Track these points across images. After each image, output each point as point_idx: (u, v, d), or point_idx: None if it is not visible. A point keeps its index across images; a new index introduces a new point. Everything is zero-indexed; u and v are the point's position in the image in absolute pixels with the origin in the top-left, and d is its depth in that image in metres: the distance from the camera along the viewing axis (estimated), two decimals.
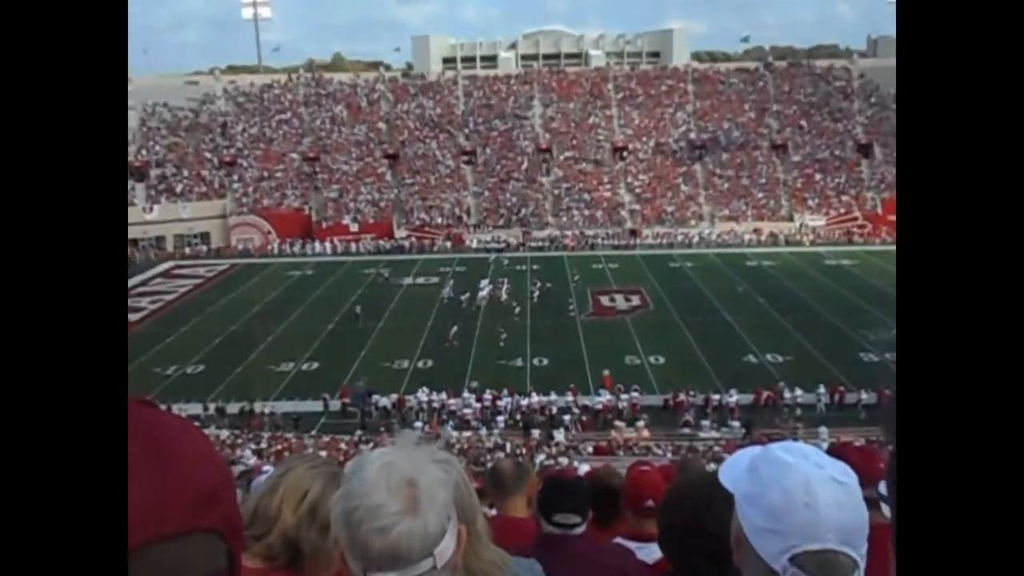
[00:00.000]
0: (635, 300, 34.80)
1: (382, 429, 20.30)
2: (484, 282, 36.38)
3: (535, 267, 43.82)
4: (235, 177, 52.66)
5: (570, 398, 21.94)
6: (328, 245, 48.23)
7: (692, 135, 58.57)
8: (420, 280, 41.00)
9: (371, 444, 17.61)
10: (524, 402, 21.76)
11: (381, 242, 49.25)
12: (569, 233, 50.29)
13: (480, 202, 55.98)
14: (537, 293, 34.94)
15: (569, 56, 75.87)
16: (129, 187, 46.11)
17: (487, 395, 22.20)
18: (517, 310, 31.61)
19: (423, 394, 22.28)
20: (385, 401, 22.21)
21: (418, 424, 20.79)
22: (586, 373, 24.71)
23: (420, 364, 26.20)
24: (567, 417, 21.21)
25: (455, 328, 28.86)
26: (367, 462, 0.87)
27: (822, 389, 19.26)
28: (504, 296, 34.45)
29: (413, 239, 49.47)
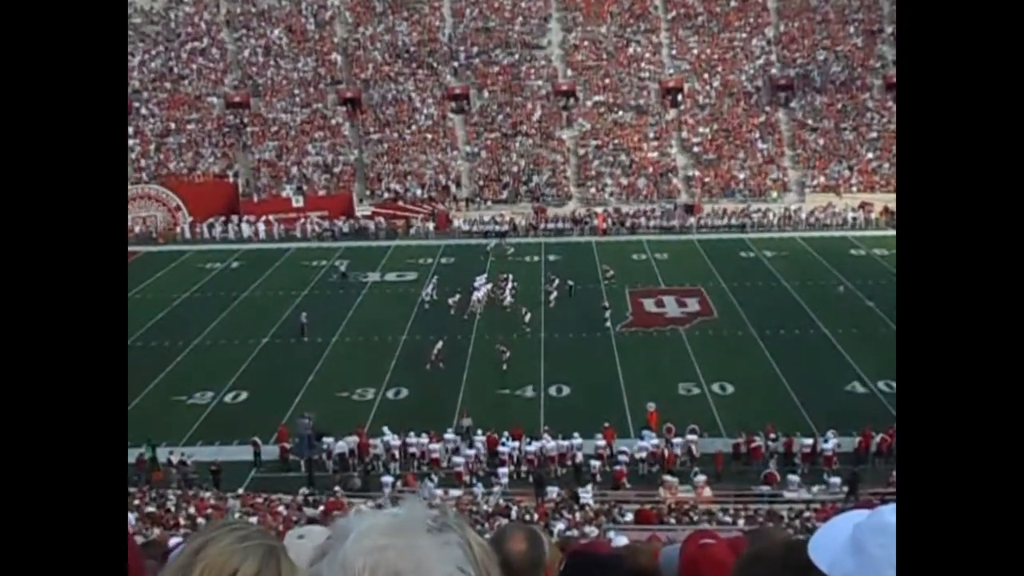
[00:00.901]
0: (692, 305, 34.95)
1: (337, 487, 20.36)
2: (480, 279, 36.63)
3: (552, 258, 44.19)
4: (130, 131, 52.61)
5: (601, 443, 21.91)
6: (261, 226, 48.16)
7: (774, 71, 58.19)
8: (391, 276, 41.40)
9: (321, 508, 17.76)
10: (536, 447, 21.82)
11: (336, 223, 49.45)
12: (599, 210, 50.28)
13: (475, 167, 56.12)
14: (555, 295, 35.24)
15: None
16: None
17: (484, 438, 22.31)
18: (527, 318, 31.91)
19: (394, 436, 22.41)
20: (341, 446, 22.20)
21: (387, 479, 21.05)
22: (623, 407, 24.99)
23: (391, 394, 26.54)
24: (596, 465, 21.22)
25: (440, 344, 29.14)
26: (350, 542, 0.86)
27: None
28: (508, 299, 34.93)
29: (381, 220, 49.72)
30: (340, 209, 49.97)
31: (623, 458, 21.27)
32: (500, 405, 25.28)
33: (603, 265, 39.05)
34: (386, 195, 51.32)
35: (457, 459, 21.64)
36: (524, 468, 21.80)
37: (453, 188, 52.21)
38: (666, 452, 21.87)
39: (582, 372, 27.51)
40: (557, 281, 35.95)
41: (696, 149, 54.03)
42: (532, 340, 30.46)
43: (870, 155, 53.24)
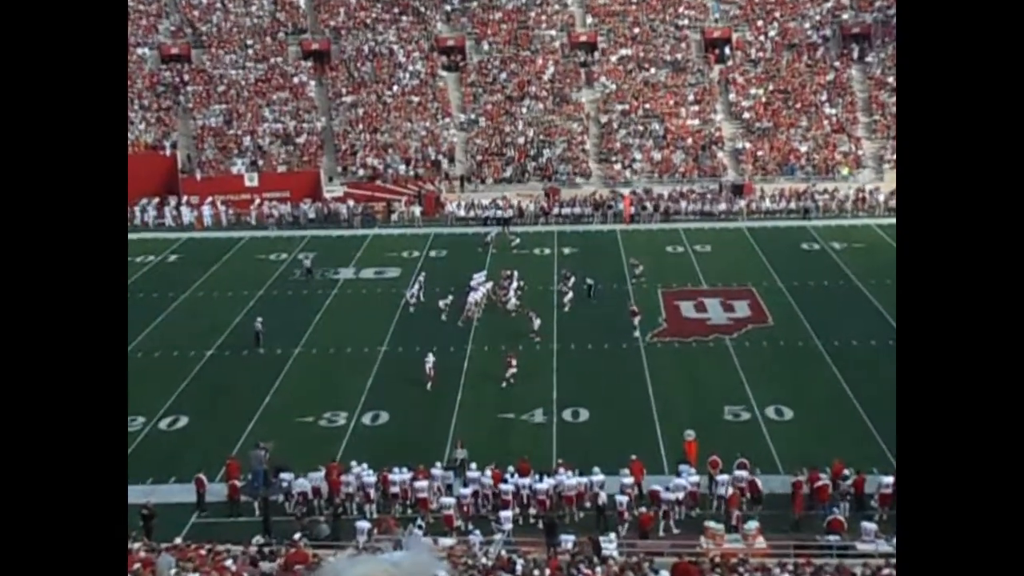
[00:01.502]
0: (741, 309, 35.14)
1: (299, 535, 20.22)
2: (478, 277, 36.98)
3: (567, 251, 44.48)
4: None
5: (628, 480, 22.01)
6: (206, 211, 48.57)
7: (845, 16, 58.36)
8: (367, 273, 41.69)
9: (279, 561, 18.07)
10: (547, 485, 21.93)
11: (299, 207, 49.47)
12: (626, 192, 50.65)
13: (471, 137, 56.97)
14: (570, 296, 35.53)
15: None
16: None
17: (483, 474, 22.47)
18: (536, 325, 32.11)
19: (369, 472, 22.59)
20: (304, 484, 22.36)
21: (362, 525, 21.05)
22: (655, 435, 25.18)
23: (367, 419, 26.75)
24: (623, 501, 21.13)
25: (431, 358, 29.26)
26: None
27: None
28: (512, 301, 35.33)
29: (355, 203, 49.89)
30: (304, 190, 50.44)
31: (668, 496, 21.20)
32: (503, 433, 25.47)
33: (630, 259, 39.19)
34: (361, 173, 51.75)
35: (448, 500, 21.69)
36: (532, 511, 21.83)
37: (445, 164, 52.58)
38: (711, 491, 21.88)
39: (604, 392, 27.65)
40: (573, 279, 36.14)
41: (747, 115, 54.29)
42: (542, 352, 30.59)
43: None
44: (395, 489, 22.20)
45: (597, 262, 40.12)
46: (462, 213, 47.96)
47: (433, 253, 42.63)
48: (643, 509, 21.25)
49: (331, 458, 23.50)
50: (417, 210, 48.04)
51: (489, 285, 35.79)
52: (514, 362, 28.45)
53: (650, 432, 25.22)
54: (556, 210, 47.76)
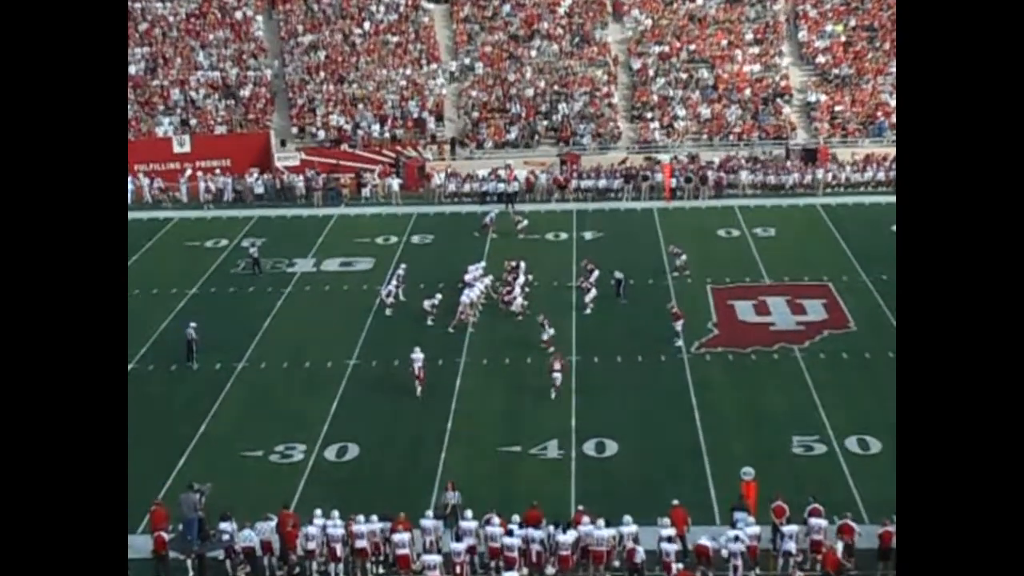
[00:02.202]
0: (815, 310, 35.27)
1: None
2: (474, 270, 37.27)
3: (589, 236, 44.74)
4: None
5: (669, 531, 22.05)
6: (128, 182, 50.66)
7: None
8: (331, 264, 41.87)
9: None
10: (570, 538, 21.97)
11: (246, 178, 49.51)
12: (665, 159, 51.38)
13: (465, 89, 57.47)
14: (593, 294, 35.73)
15: None
16: None
17: (482, 524, 22.53)
18: (549, 332, 32.22)
19: (335, 522, 22.59)
20: (250, 536, 22.48)
21: None
22: (703, 474, 25.30)
23: (331, 454, 26.93)
24: (671, 551, 21.09)
25: (419, 356, 29.59)
26: None
27: None
28: (519, 302, 35.38)
29: (315, 174, 50.29)
30: (250, 158, 50.78)
31: (720, 551, 21.25)
32: (506, 471, 25.61)
33: (671, 247, 39.24)
34: (323, 135, 52.22)
35: (436, 557, 21.76)
36: (550, 571, 21.89)
37: (431, 124, 53.02)
38: (775, 546, 21.90)
39: (637, 419, 27.81)
40: (597, 273, 36.14)
41: (821, 60, 54.81)
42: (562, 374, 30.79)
43: None
44: (363, 543, 22.21)
45: (628, 250, 40.08)
46: (453, 187, 48.10)
47: (416, 239, 42.67)
48: (684, 567, 21.24)
49: (284, 504, 23.54)
50: (395, 183, 48.22)
51: (488, 280, 35.92)
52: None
53: (696, 470, 25.30)
54: (575, 183, 47.89)
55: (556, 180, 47.94)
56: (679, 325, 32.19)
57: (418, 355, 29.50)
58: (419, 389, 29.34)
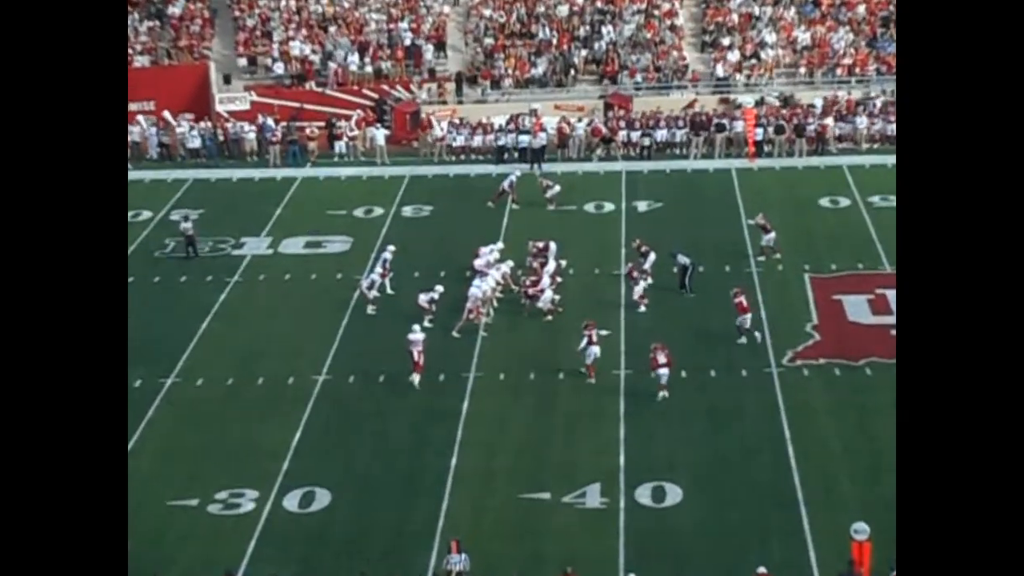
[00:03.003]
0: None
1: None
2: (488, 253, 37.25)
3: (643, 207, 44.69)
4: None
5: None
6: None
7: None
8: (292, 246, 42.04)
9: None
10: None
11: (176, 127, 49.83)
12: (748, 102, 51.70)
13: (476, 5, 58.53)
14: (646, 284, 35.84)
15: None
16: None
17: None
18: (592, 340, 32.18)
19: None
20: None
21: None
22: (799, 530, 25.27)
23: (292, 502, 26.94)
24: None
25: (418, 335, 29.69)
26: None
27: None
28: (548, 296, 35.19)
29: (271, 122, 50.50)
30: (181, 99, 51.22)
31: None
32: (529, 526, 25.65)
33: (755, 219, 39.13)
34: (281, 69, 52.54)
35: None
36: None
37: (429, 54, 53.33)
38: None
39: (708, 455, 27.82)
40: (653, 257, 36.20)
41: None
42: (601, 385, 30.80)
43: None
44: None
45: (696, 226, 40.00)
46: (459, 140, 48.17)
47: (408, 210, 42.83)
48: None
49: (228, 571, 23.63)
50: (380, 135, 48.33)
51: (507, 268, 35.91)
52: (595, 336, 30.28)
53: (790, 524, 25.26)
54: (624, 135, 47.85)
55: (598, 131, 47.84)
56: (746, 321, 32.43)
57: (417, 335, 30.37)
58: (416, 379, 30.04)
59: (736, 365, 31.54)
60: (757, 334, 32.55)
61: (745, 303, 32.70)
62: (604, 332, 32.07)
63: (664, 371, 29.83)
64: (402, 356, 30.75)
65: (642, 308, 34.50)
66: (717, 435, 28.63)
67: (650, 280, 35.29)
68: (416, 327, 31.15)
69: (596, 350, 30.95)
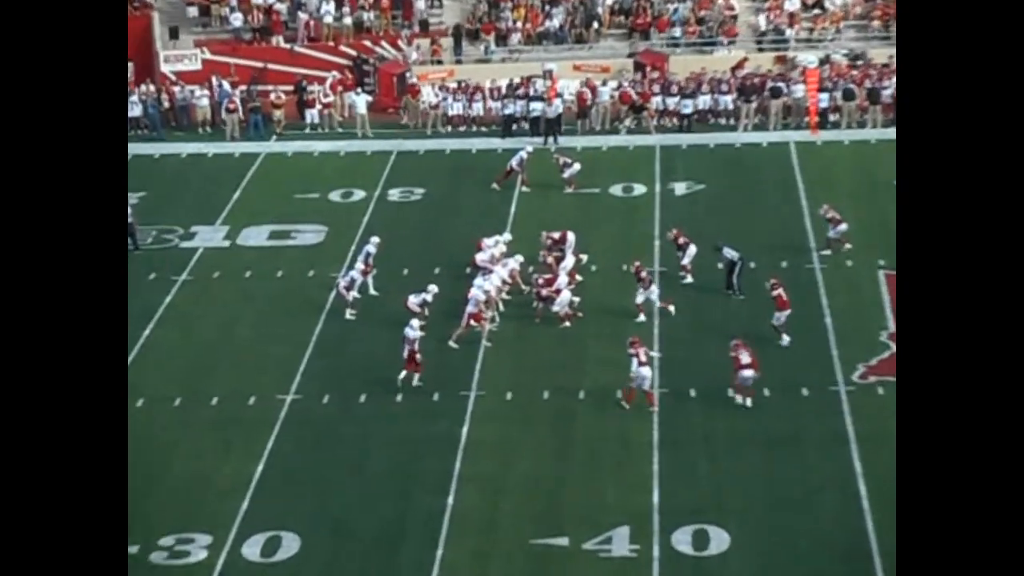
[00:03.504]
0: None
1: None
2: (493, 246, 37.31)
3: (681, 188, 44.79)
4: None
5: None
6: None
7: None
8: (254, 237, 42.25)
9: None
10: None
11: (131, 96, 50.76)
12: (810, 62, 51.58)
13: None
14: (684, 283, 36.07)
15: None
16: None
17: None
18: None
19: None
20: None
21: None
22: None
23: (252, 550, 26.83)
24: None
25: (415, 332, 29.79)
26: None
27: None
28: (565, 297, 35.12)
29: (227, 86, 50.75)
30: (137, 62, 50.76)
31: None
32: None
33: (821, 208, 38.99)
34: (239, 22, 52.58)
35: None
36: None
37: (420, 4, 53.36)
38: None
39: (761, 491, 27.78)
40: (693, 250, 36.24)
41: None
42: (631, 411, 30.71)
43: None
44: None
45: (747, 213, 40.18)
46: (457, 108, 48.34)
47: (395, 194, 43.03)
48: None
49: None
50: (361, 102, 48.54)
51: (515, 264, 35.93)
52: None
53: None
54: (657, 101, 48.01)
55: (627, 97, 47.88)
56: (782, 317, 32.74)
57: (415, 332, 30.95)
58: (415, 379, 30.74)
59: (795, 382, 31.44)
60: (786, 338, 32.65)
61: (785, 296, 32.87)
62: (655, 353, 31.95)
63: (749, 373, 30.10)
64: (387, 370, 30.66)
65: (673, 309, 34.59)
66: (772, 468, 28.55)
67: (689, 278, 35.27)
68: (415, 322, 31.54)
69: (647, 373, 30.81)
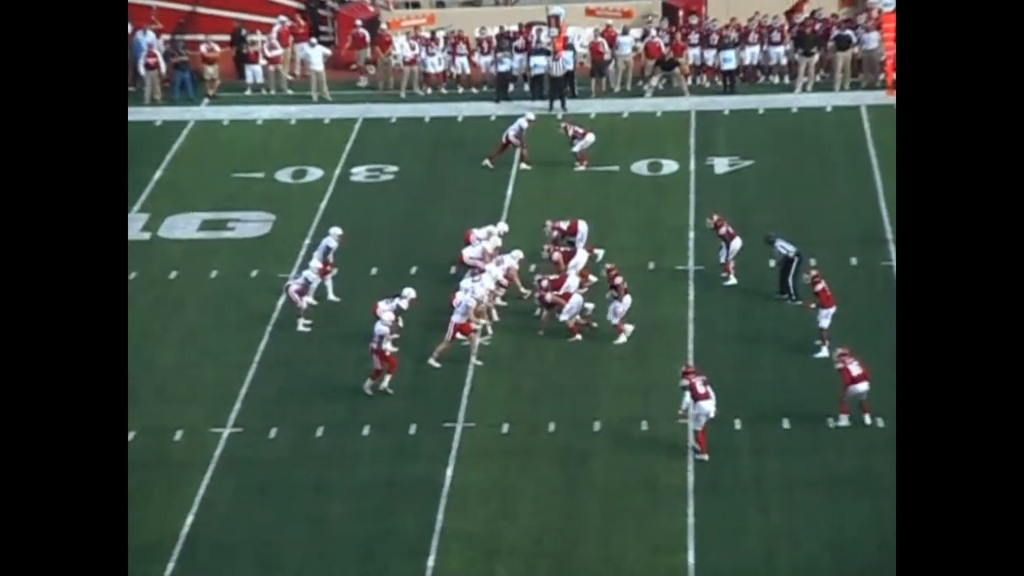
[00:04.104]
0: None
1: None
2: (484, 239, 37.33)
3: (722, 166, 45.36)
4: None
5: None
6: None
7: None
8: (181, 228, 42.59)
9: None
10: None
11: None
12: (887, 2, 51.02)
13: None
14: (728, 284, 36.17)
15: None
16: None
17: None
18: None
19: None
20: None
21: None
22: None
23: None
24: None
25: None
26: None
27: None
28: (576, 304, 35.16)
29: (150, 35, 50.40)
30: None
31: None
32: None
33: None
34: None
35: None
36: None
37: None
38: None
39: (822, 550, 27.78)
40: (738, 243, 36.47)
41: None
42: (658, 446, 30.82)
43: None
44: None
45: (805, 195, 40.56)
46: (438, 65, 48.68)
47: (360, 173, 43.41)
48: None
49: None
50: (316, 56, 48.68)
51: (513, 261, 36.05)
52: (699, 386, 29.96)
53: None
54: (693, 55, 48.36)
55: (655, 49, 48.16)
56: (826, 318, 33.03)
57: (384, 327, 31.35)
58: (386, 382, 31.23)
59: (870, 409, 31.45)
60: (827, 346, 32.82)
61: (829, 292, 33.19)
62: (699, 382, 31.76)
63: (863, 387, 30.30)
64: (352, 397, 30.61)
65: (695, 310, 34.55)
66: (838, 520, 28.48)
67: (732, 279, 35.74)
68: (385, 307, 31.90)
69: (708, 408, 30.46)
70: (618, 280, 34.42)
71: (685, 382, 30.55)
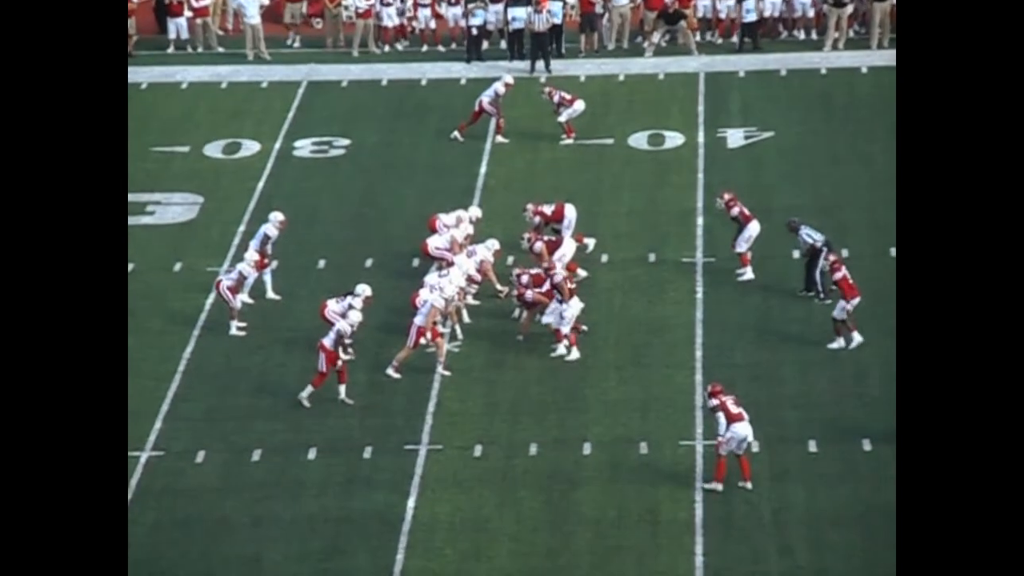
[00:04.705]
0: None
1: None
2: (453, 227, 37.17)
3: (737, 139, 45.82)
4: None
5: None
6: None
7: None
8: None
9: None
10: None
11: None
12: None
13: None
14: (744, 278, 36.62)
15: None
16: None
17: None
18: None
19: None
20: None
21: None
22: None
23: None
24: None
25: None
26: None
27: None
28: (568, 305, 34.67)
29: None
30: None
31: None
32: None
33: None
34: None
35: None
36: None
37: None
38: None
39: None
40: (755, 228, 36.78)
41: None
42: (656, 473, 31.15)
43: None
44: None
45: (836, 172, 41.03)
46: (394, 17, 49.17)
47: (304, 146, 43.80)
48: None
49: None
50: (251, 6, 49.10)
51: (487, 251, 36.44)
52: (731, 406, 29.95)
53: None
54: (698, 4, 48.92)
55: (655, 1, 48.63)
56: (842, 310, 33.53)
57: (346, 324, 31.84)
58: (342, 392, 31.69)
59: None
60: (858, 338, 33.44)
61: (851, 280, 33.70)
62: (731, 402, 31.68)
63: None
64: (295, 413, 30.89)
65: (701, 324, 35.00)
66: (874, 559, 28.75)
67: (748, 273, 36.22)
68: (335, 307, 32.56)
69: (745, 431, 30.41)
70: (558, 279, 34.67)
71: (715, 402, 30.46)
